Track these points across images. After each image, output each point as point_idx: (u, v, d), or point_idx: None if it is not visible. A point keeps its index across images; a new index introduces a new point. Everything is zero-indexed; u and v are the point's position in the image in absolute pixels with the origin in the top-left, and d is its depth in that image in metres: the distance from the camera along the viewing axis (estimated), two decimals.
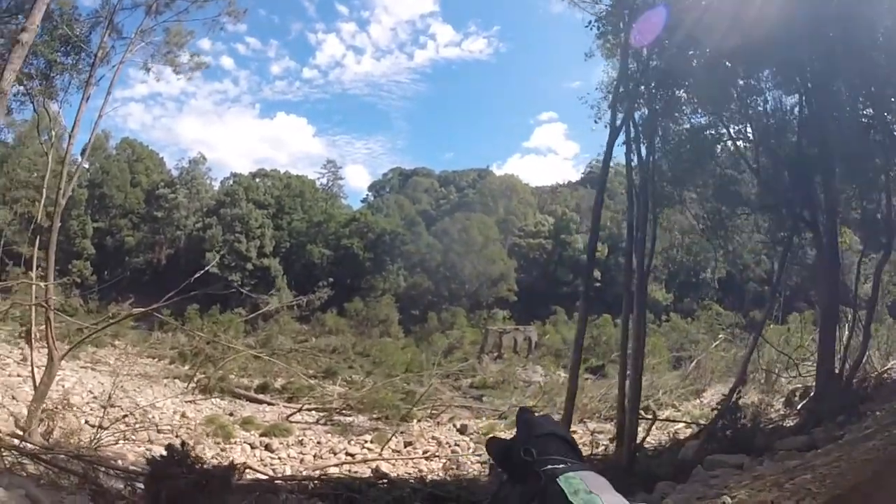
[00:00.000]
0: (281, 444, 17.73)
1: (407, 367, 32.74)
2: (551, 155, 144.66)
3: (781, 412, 16.22)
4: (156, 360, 29.58)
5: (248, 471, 12.54)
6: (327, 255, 59.36)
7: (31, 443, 10.97)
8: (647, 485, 9.98)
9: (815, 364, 22.46)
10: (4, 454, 9.07)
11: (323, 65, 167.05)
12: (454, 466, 16.69)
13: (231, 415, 20.38)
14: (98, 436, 12.90)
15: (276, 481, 12.46)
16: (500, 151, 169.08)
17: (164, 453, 8.80)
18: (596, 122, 16.35)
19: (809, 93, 14.80)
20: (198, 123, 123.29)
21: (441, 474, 15.86)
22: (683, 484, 8.98)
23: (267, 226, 59.54)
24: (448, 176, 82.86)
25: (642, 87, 15.17)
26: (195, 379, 23.79)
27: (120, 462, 12.13)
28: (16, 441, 10.57)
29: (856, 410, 10.93)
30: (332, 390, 24.58)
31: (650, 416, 17.08)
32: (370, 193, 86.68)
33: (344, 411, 22.03)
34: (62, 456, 9.88)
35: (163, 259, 59.52)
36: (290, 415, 21.17)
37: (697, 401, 25.69)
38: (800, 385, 18.84)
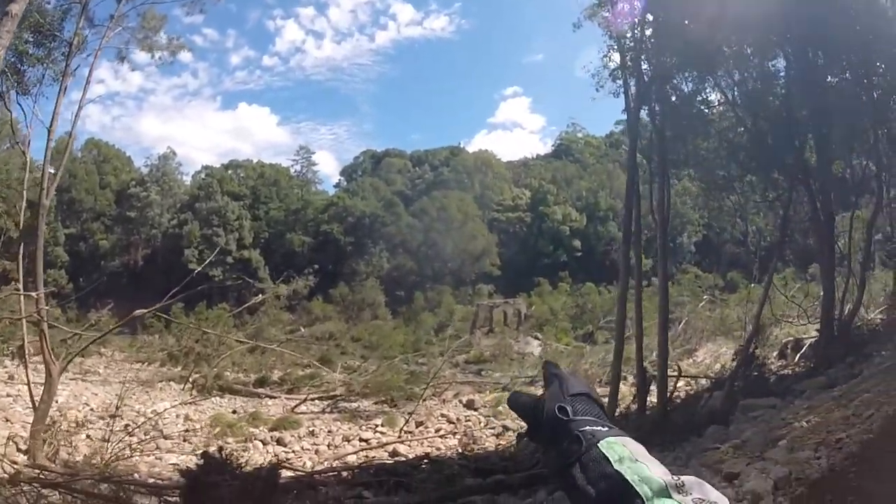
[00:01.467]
0: (293, 436, 17.48)
1: (403, 347, 33.11)
2: (517, 129, 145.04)
3: (779, 363, 17.17)
4: (146, 363, 29.02)
5: (282, 468, 12.22)
6: (307, 243, 58.95)
7: (49, 470, 10.38)
8: (683, 435, 10.64)
9: (800, 319, 23.89)
10: (24, 488, 8.59)
11: (283, 52, 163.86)
12: (471, 441, 16.87)
13: (235, 412, 20.04)
14: (111, 451, 12.29)
15: (315, 476, 12.29)
16: (466, 129, 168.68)
17: (201, 462, 8.51)
18: (598, 90, 16.59)
19: (794, 56, 15.45)
20: (158, 121, 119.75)
21: (460, 450, 15.93)
22: (730, 427, 9.66)
23: (244, 217, 58.70)
24: (420, 155, 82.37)
25: (642, 56, 15.55)
26: (191, 379, 23.39)
27: (136, 476, 11.76)
28: (35, 471, 10.02)
29: (861, 351, 11.82)
30: (333, 377, 24.32)
31: (675, 374, 17.59)
32: (342, 178, 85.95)
33: (349, 397, 21.98)
34: (88, 481, 9.40)
35: (139, 260, 58.26)
36: (296, 406, 20.98)
37: (691, 360, 26.49)
38: (791, 338, 19.84)
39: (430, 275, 57.95)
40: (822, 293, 15.80)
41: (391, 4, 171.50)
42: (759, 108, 15.79)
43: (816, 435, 5.96)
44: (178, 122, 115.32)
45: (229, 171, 64.95)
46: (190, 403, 20.32)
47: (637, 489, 0.79)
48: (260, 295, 34.47)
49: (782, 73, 15.74)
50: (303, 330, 35.70)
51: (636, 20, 15.38)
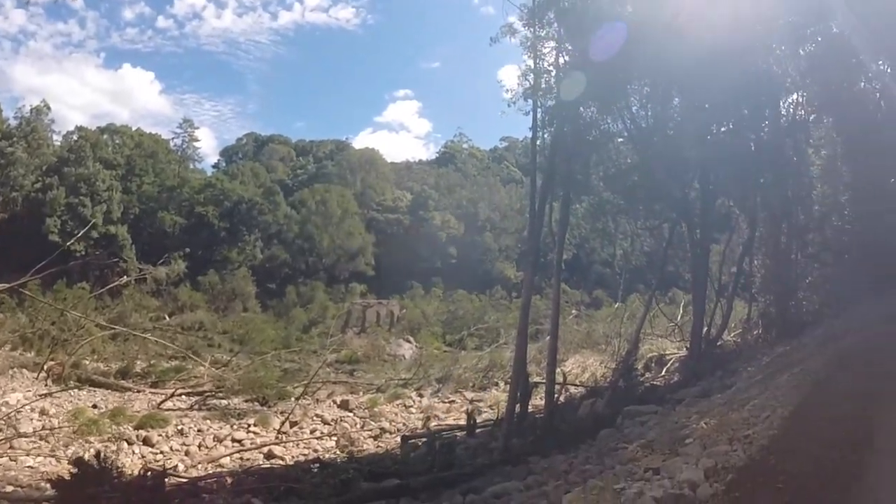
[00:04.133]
0: (160, 436, 16.19)
1: (274, 343, 32.20)
2: (403, 132, 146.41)
3: (646, 375, 19.01)
4: None
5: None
6: (180, 224, 55.08)
7: None
8: (577, 437, 11.48)
9: (659, 336, 26.50)
10: None
11: (180, 14, 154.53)
12: (348, 443, 16.72)
13: (95, 407, 18.29)
14: None
15: (199, 482, 11.38)
16: (352, 125, 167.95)
17: (74, 469, 7.66)
18: (509, 105, 17.18)
19: (686, 103, 17.29)
20: (34, 70, 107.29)
21: (337, 452, 15.75)
22: (621, 431, 10.62)
23: (115, 188, 52.89)
24: (305, 145, 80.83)
25: (553, 81, 16.48)
26: (45, 367, 20.99)
27: None
28: None
29: (727, 367, 13.56)
30: (201, 372, 23.14)
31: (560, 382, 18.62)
32: (222, 159, 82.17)
33: (218, 394, 20.97)
34: None
35: None
36: (162, 402, 19.60)
37: (559, 369, 28.22)
38: (655, 353, 22.03)
39: (303, 269, 56.87)
40: (691, 315, 17.69)
41: None
42: (650, 144, 17.34)
43: (722, 433, 6.84)
44: (56, 75, 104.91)
45: (104, 136, 58.51)
46: (46, 396, 18.24)
47: None
48: (125, 276, 31.74)
49: (676, 115, 17.44)
50: (168, 318, 33.51)
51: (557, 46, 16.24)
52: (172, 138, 68.08)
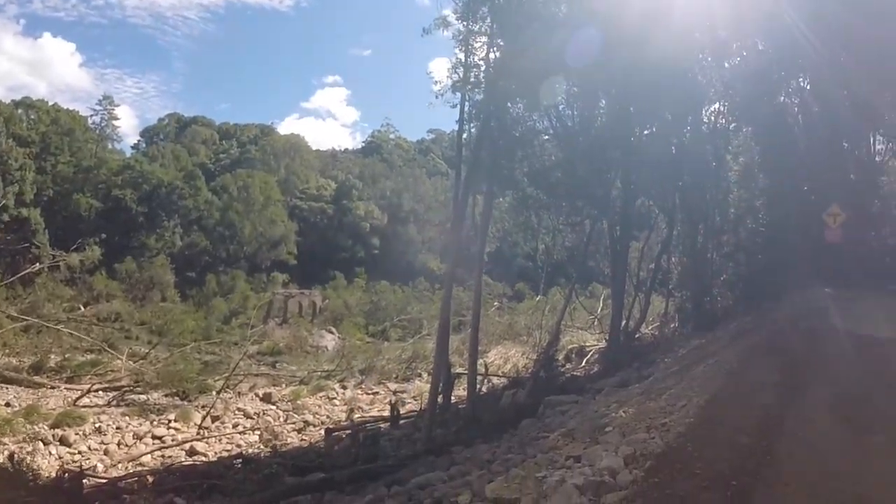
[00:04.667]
0: (77, 435, 15.63)
1: (194, 335, 31.11)
2: (330, 119, 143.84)
3: (566, 366, 19.59)
4: None
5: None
6: (96, 207, 51.18)
7: None
8: (500, 427, 11.67)
9: (579, 329, 27.36)
10: None
11: None
12: (272, 437, 16.59)
13: (8, 405, 17.54)
14: None
15: (119, 483, 11.14)
16: (278, 109, 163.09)
17: None
18: (437, 97, 17.13)
19: (611, 104, 17.83)
20: None
21: (261, 446, 15.65)
22: (543, 420, 10.85)
23: (28, 168, 48.14)
24: (229, 129, 77.83)
25: (482, 76, 16.58)
26: None
27: None
28: None
29: (644, 359, 14.15)
30: (119, 366, 22.25)
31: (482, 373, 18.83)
32: (142, 140, 77.88)
33: (136, 389, 20.28)
34: None
35: None
36: (78, 398, 18.82)
37: (481, 361, 28.64)
38: (575, 345, 22.73)
39: (224, 257, 54.81)
40: (611, 308, 18.36)
41: None
42: (575, 143, 17.79)
43: (641, 422, 7.10)
44: None
45: (19, 111, 53.13)
46: None
47: None
48: (38, 263, 29.58)
49: (601, 116, 17.95)
50: (83, 309, 31.63)
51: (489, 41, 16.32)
52: (91, 115, 62.92)
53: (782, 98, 19.64)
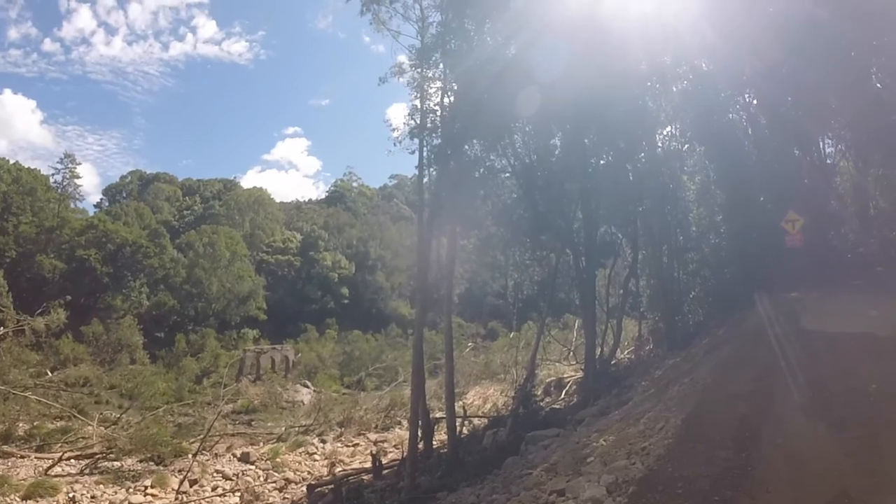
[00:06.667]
0: None
1: (165, 396, 30.20)
2: (292, 170, 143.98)
3: (546, 400, 19.54)
4: None
5: None
6: (60, 269, 49.81)
7: None
8: (483, 468, 11.53)
9: (555, 361, 27.33)
10: None
11: (68, 38, 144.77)
12: (253, 498, 16.17)
13: None
14: None
15: None
16: (240, 163, 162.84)
17: None
18: (395, 145, 17.35)
19: (567, 138, 18.28)
20: None
21: None
22: (526, 457, 10.74)
23: None
24: (192, 184, 77.37)
25: (438, 120, 16.88)
26: None
27: None
28: None
29: (623, 384, 14.19)
30: (90, 432, 21.36)
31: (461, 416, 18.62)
32: (105, 198, 76.79)
33: (109, 455, 19.37)
34: None
35: None
36: (49, 468, 17.93)
37: (460, 402, 28.40)
38: (553, 377, 22.71)
39: (192, 315, 53.70)
40: (584, 338, 18.45)
41: (196, 16, 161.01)
42: (534, 178, 18.12)
43: (621, 448, 7.11)
44: None
45: None
46: None
47: None
48: (2, 328, 28.38)
49: (557, 150, 18.36)
50: (50, 374, 30.44)
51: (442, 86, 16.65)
52: (53, 174, 60.65)
53: (731, 115, 20.30)
